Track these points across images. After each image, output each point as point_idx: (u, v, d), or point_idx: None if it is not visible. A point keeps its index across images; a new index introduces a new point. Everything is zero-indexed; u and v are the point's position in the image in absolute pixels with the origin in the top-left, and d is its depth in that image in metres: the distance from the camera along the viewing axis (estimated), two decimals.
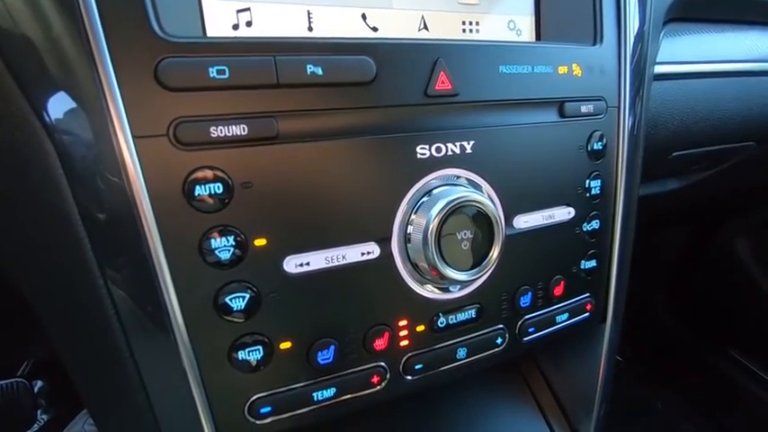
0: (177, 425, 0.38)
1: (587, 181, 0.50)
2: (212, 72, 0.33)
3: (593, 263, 0.53)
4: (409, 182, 0.40)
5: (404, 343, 0.43)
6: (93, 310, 0.35)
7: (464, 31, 0.47)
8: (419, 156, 0.40)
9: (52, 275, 0.37)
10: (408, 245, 0.41)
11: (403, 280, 0.42)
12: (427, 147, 0.41)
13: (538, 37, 0.50)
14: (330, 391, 0.40)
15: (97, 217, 0.33)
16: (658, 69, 0.63)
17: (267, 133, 0.35)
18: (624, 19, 0.50)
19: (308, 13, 0.40)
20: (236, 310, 0.36)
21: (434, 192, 0.41)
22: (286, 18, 0.40)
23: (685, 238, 1.30)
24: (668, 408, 1.26)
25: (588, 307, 0.54)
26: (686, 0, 0.65)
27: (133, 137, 0.32)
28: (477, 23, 0.47)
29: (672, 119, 0.70)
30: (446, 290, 0.44)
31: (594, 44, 0.49)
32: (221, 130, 0.33)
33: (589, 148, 0.49)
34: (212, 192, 0.34)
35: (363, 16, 0.42)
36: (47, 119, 0.32)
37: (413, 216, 0.40)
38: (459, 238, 0.41)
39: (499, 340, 0.48)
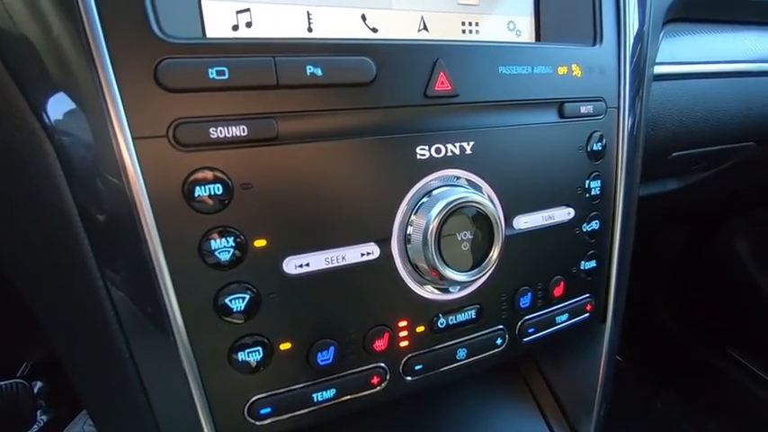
0: (177, 426, 0.38)
1: (587, 181, 0.50)
2: (212, 73, 0.33)
3: (592, 263, 0.53)
4: (409, 182, 0.40)
5: (404, 344, 0.43)
6: (92, 312, 0.35)
7: (464, 31, 0.47)
8: (419, 156, 0.40)
9: (52, 276, 0.37)
10: (408, 245, 0.41)
11: (403, 281, 0.42)
12: (427, 147, 0.41)
13: (537, 37, 0.50)
14: (330, 392, 0.40)
15: (97, 218, 0.33)
16: (658, 70, 0.63)
17: (267, 134, 0.35)
18: (624, 19, 0.50)
19: (308, 14, 0.40)
20: (236, 311, 0.36)
21: (434, 192, 0.41)
22: (286, 19, 0.39)
23: (685, 239, 1.30)
24: (668, 408, 1.26)
25: (588, 307, 0.54)
26: (686, 0, 0.65)
27: (133, 138, 0.32)
28: (477, 24, 0.47)
29: (671, 119, 0.70)
30: (446, 290, 0.44)
31: (594, 45, 0.49)
32: (221, 130, 0.33)
33: (589, 149, 0.49)
34: (212, 193, 0.34)
35: (363, 17, 0.42)
36: (46, 120, 0.32)
37: (413, 217, 0.40)
38: (459, 238, 0.41)
39: (499, 341, 0.48)
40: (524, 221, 0.47)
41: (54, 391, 0.77)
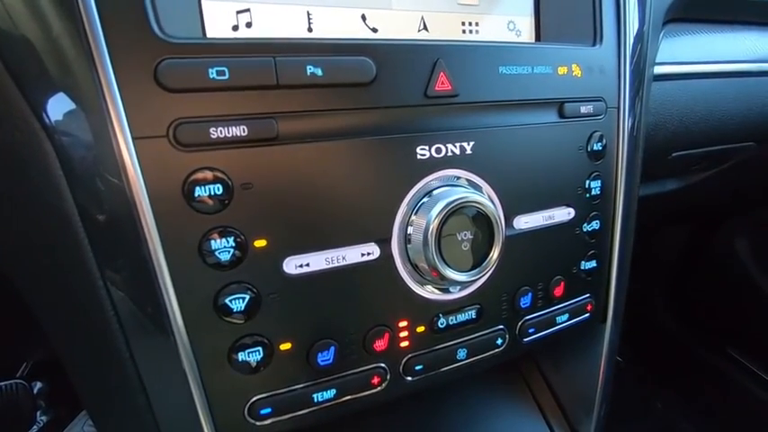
0: (177, 426, 0.38)
1: (587, 181, 0.50)
2: (212, 73, 0.33)
3: (593, 263, 0.53)
4: (409, 183, 0.40)
5: (404, 344, 0.43)
6: (92, 312, 0.35)
7: (464, 31, 0.47)
8: (419, 156, 0.40)
9: (52, 276, 0.37)
10: (408, 245, 0.41)
11: (403, 281, 0.42)
12: (427, 147, 0.41)
13: (537, 37, 0.50)
14: (330, 393, 0.40)
15: (97, 218, 0.33)
16: (658, 70, 0.63)
17: (267, 134, 0.35)
18: (624, 19, 0.50)
19: (308, 14, 0.40)
20: (236, 312, 0.36)
21: (434, 192, 0.41)
22: (286, 19, 0.39)
23: (685, 239, 1.30)
24: (668, 408, 1.26)
25: (588, 307, 0.54)
26: (686, 0, 0.65)
27: (133, 138, 0.32)
28: (477, 24, 0.47)
29: (671, 119, 0.70)
30: (446, 290, 0.44)
31: (594, 45, 0.49)
32: (221, 130, 0.33)
33: (589, 149, 0.49)
34: (212, 193, 0.34)
35: (363, 17, 0.42)
36: (46, 120, 0.32)
37: (413, 217, 0.40)
38: (460, 238, 0.41)
39: (499, 341, 0.48)
40: (525, 221, 0.47)
41: (54, 391, 0.77)
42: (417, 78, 0.39)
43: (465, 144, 0.42)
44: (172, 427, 0.38)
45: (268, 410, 0.39)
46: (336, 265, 0.38)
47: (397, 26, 0.44)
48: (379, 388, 0.43)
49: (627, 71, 0.50)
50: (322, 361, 0.40)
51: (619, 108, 0.50)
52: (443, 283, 0.43)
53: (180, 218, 0.33)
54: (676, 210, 1.06)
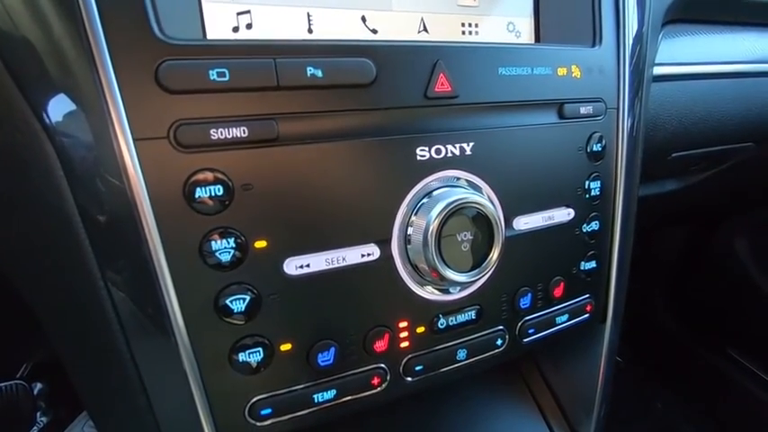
0: (178, 427, 0.38)
1: (587, 182, 0.50)
2: (212, 74, 0.33)
3: (592, 264, 0.53)
4: (409, 183, 0.41)
5: (404, 344, 0.43)
6: (93, 312, 0.35)
7: (464, 32, 0.47)
8: (419, 157, 0.41)
9: (52, 277, 0.37)
10: (408, 246, 0.41)
11: (403, 281, 0.42)
12: (427, 148, 0.41)
13: (537, 39, 0.50)
14: (330, 393, 0.40)
15: (97, 219, 0.33)
16: (657, 71, 0.63)
17: (267, 135, 0.35)
18: (623, 20, 0.50)
19: (308, 16, 0.40)
20: (237, 312, 0.36)
21: (434, 193, 0.41)
22: (286, 20, 0.40)
23: (685, 239, 1.30)
24: (668, 408, 1.26)
25: (588, 308, 0.54)
26: (685, 1, 0.65)
27: (134, 139, 0.32)
28: (477, 25, 0.47)
29: (671, 120, 0.70)
30: (446, 291, 0.44)
31: (593, 46, 0.49)
32: (222, 132, 0.33)
33: (588, 150, 0.49)
34: (213, 194, 0.34)
35: (363, 18, 0.42)
36: (47, 121, 0.32)
37: (413, 217, 0.40)
38: (459, 239, 0.41)
39: (499, 341, 0.48)
40: (524, 222, 0.47)
41: (54, 392, 0.76)
42: (417, 79, 0.39)
43: (465, 145, 0.42)
44: (172, 427, 0.38)
45: (268, 411, 0.39)
46: (336, 265, 0.39)
47: (397, 27, 0.44)
48: (379, 388, 0.43)
49: (626, 72, 0.50)
50: (322, 361, 0.40)
51: (618, 109, 0.51)
52: (443, 284, 0.43)
53: (180, 219, 0.33)
54: (676, 210, 1.07)
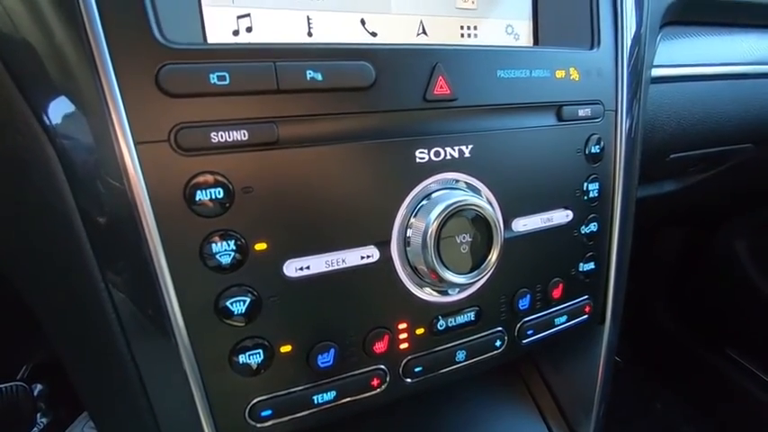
0: (178, 428, 0.38)
1: (585, 184, 0.50)
2: (213, 78, 0.33)
3: (591, 265, 0.53)
4: (408, 186, 0.41)
5: (403, 346, 0.43)
6: (93, 314, 0.35)
7: (462, 35, 0.47)
8: (418, 160, 0.41)
9: (53, 279, 0.37)
10: (408, 248, 0.41)
11: (402, 283, 0.42)
12: (426, 151, 0.41)
13: (536, 41, 0.51)
14: (330, 395, 0.41)
15: (98, 221, 0.33)
16: (655, 72, 0.63)
17: (268, 138, 0.35)
18: (621, 23, 0.50)
19: (308, 19, 0.40)
20: (237, 314, 0.36)
21: (433, 195, 0.41)
22: (286, 24, 0.40)
23: (684, 240, 1.31)
24: (668, 408, 1.26)
25: (587, 309, 0.54)
26: (683, 3, 0.66)
27: (134, 142, 0.32)
28: (476, 28, 0.48)
29: (669, 121, 0.70)
30: (445, 293, 0.44)
31: (592, 48, 0.49)
32: (222, 135, 0.34)
33: (587, 152, 0.49)
34: (213, 196, 0.34)
35: (362, 21, 0.43)
36: (48, 124, 0.32)
37: (412, 219, 0.41)
38: (459, 241, 0.41)
39: (498, 343, 0.49)
40: (523, 224, 0.47)
41: (54, 393, 0.77)
42: (416, 82, 0.40)
43: (463, 147, 0.42)
44: (173, 428, 0.38)
45: (269, 412, 0.39)
46: (336, 267, 0.39)
47: (396, 30, 0.44)
48: (378, 390, 0.43)
49: (624, 74, 0.50)
50: (322, 363, 0.40)
51: (616, 111, 0.51)
52: (442, 286, 0.43)
53: (181, 221, 0.34)
54: (674, 211, 1.07)
